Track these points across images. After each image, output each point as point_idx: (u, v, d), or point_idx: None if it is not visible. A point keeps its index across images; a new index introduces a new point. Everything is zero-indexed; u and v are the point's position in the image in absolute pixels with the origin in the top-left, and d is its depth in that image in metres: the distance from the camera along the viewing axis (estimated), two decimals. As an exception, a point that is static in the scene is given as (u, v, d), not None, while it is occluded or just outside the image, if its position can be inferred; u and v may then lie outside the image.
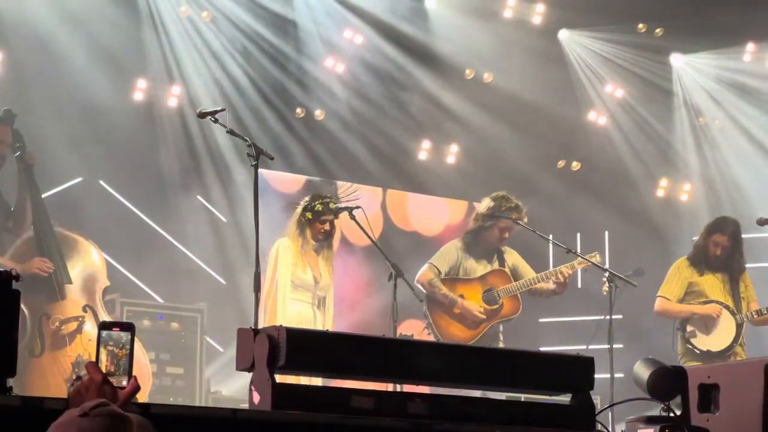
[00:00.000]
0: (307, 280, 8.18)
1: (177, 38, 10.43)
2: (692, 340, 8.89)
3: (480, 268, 8.98)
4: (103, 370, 2.96)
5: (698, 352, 8.81)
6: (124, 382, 2.97)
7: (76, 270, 7.91)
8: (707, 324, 8.89)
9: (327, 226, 8.24)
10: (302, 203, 8.29)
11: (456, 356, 4.24)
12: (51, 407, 2.98)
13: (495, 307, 8.99)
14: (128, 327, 3.07)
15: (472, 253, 8.98)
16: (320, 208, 8.16)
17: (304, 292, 8.19)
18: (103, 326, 3.05)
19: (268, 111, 10.71)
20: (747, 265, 9.36)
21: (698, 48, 12.04)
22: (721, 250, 9.01)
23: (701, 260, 9.07)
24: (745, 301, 9.05)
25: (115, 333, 3.04)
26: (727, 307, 8.94)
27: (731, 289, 9.03)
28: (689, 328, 8.91)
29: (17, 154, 7.89)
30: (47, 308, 7.70)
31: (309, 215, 8.21)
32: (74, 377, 2.94)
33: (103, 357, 3.01)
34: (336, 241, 8.68)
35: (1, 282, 3.28)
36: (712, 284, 8.97)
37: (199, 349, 8.90)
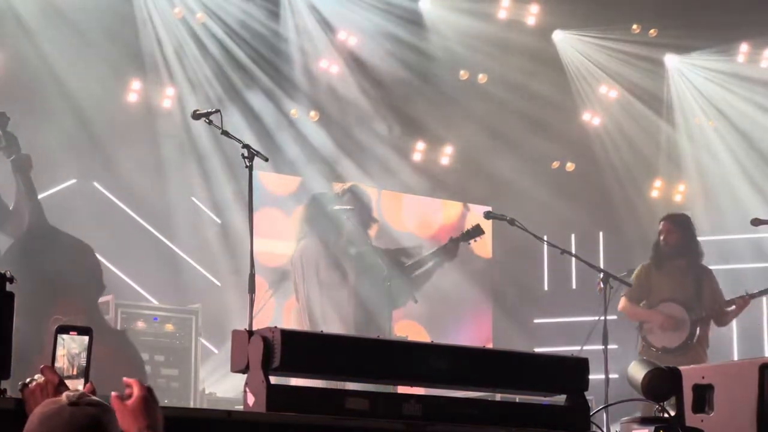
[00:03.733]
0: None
1: (171, 40, 10.42)
2: (648, 338, 8.95)
3: None
4: (61, 374, 2.98)
5: (654, 349, 8.85)
6: (80, 387, 2.97)
7: (74, 272, 7.86)
8: (664, 323, 8.94)
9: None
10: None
11: (451, 357, 4.24)
12: (45, 410, 2.97)
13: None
14: (86, 331, 3.06)
15: None
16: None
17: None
18: (61, 330, 3.04)
19: (262, 112, 10.70)
20: (743, 266, 9.40)
21: (692, 48, 12.04)
22: (666, 236, 9.13)
23: (657, 254, 9.16)
24: (708, 303, 9.08)
25: (73, 336, 3.03)
26: (681, 303, 8.99)
27: (690, 282, 9.06)
28: (645, 326, 8.96)
29: (12, 158, 7.85)
30: (48, 308, 7.65)
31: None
32: (27, 380, 2.95)
33: (61, 360, 3.01)
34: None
35: (-5, 284, 3.27)
36: (671, 277, 8.99)
37: (194, 351, 8.89)
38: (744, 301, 9.09)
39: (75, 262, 7.91)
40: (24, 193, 7.83)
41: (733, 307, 9.11)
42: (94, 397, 2.75)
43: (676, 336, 8.96)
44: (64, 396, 2.72)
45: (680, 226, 9.20)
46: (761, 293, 9.19)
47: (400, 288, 8.31)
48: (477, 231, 8.82)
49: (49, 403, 2.72)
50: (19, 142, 7.88)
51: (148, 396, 2.94)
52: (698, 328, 8.99)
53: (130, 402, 2.92)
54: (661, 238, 9.17)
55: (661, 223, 9.27)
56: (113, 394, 2.92)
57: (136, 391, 2.94)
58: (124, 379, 2.97)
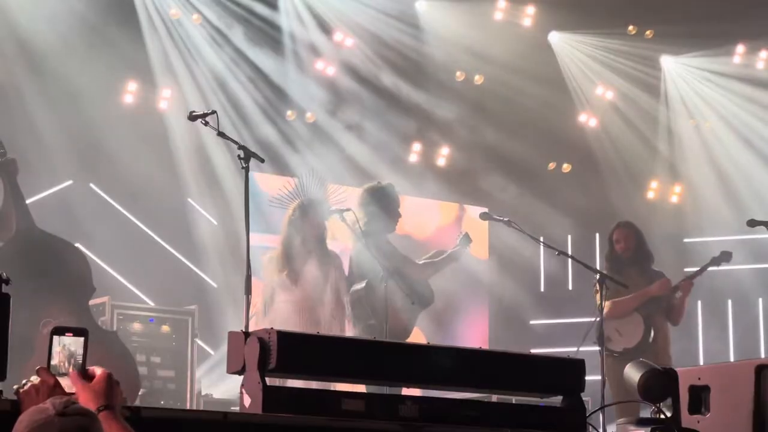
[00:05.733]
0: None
1: (167, 41, 10.42)
2: (609, 346, 8.86)
3: None
4: (58, 371, 3.01)
5: (616, 354, 8.83)
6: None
7: (63, 274, 7.84)
8: (618, 327, 8.91)
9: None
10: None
11: (447, 358, 4.24)
12: (41, 411, 2.96)
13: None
14: (81, 332, 3.07)
15: None
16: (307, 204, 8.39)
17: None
18: (56, 331, 3.05)
19: (258, 114, 10.70)
20: (739, 267, 9.40)
21: (688, 50, 12.05)
22: (624, 243, 9.12)
23: (615, 262, 9.14)
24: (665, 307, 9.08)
25: (69, 338, 3.05)
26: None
27: (645, 284, 9.06)
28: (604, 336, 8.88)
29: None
30: (39, 311, 7.65)
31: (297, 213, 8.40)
32: (23, 381, 2.97)
33: (57, 357, 3.03)
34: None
35: (-10, 286, 3.26)
36: (629, 283, 8.98)
37: (190, 352, 8.89)
38: (687, 283, 9.12)
39: (64, 265, 7.88)
40: (10, 197, 7.78)
41: (680, 293, 9.10)
42: (80, 405, 2.77)
43: (633, 335, 8.95)
44: (50, 404, 2.73)
45: (636, 232, 9.24)
46: (700, 271, 9.21)
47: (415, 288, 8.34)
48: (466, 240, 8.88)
49: (36, 411, 2.73)
50: (4, 144, 7.83)
51: (109, 379, 3.02)
52: (653, 325, 8.99)
53: (91, 383, 3.00)
54: (619, 245, 9.17)
55: (616, 231, 9.26)
56: (72, 371, 2.98)
57: (98, 373, 3.02)
58: (89, 368, 3.01)
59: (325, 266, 8.36)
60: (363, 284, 8.31)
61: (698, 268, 9.24)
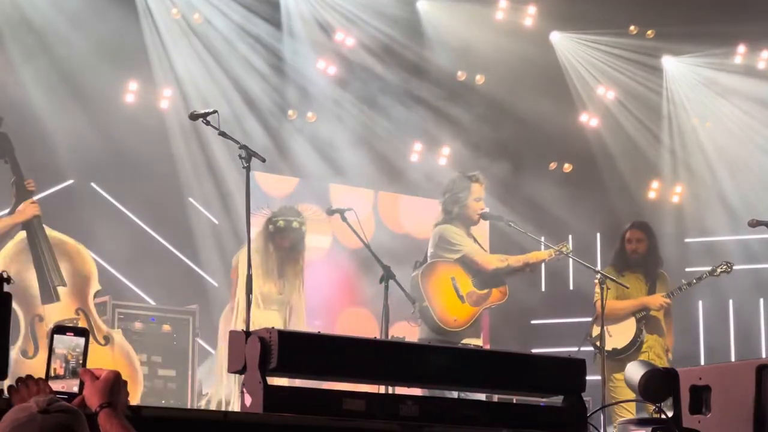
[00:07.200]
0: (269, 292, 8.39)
1: (169, 40, 10.42)
2: (598, 345, 8.84)
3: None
4: (55, 375, 3.02)
5: (605, 353, 8.80)
6: (75, 388, 3.00)
7: (68, 273, 7.87)
8: (610, 327, 8.86)
9: (287, 243, 8.46)
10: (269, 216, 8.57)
11: (448, 358, 4.24)
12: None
13: (484, 292, 8.94)
14: (82, 332, 3.06)
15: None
16: (282, 225, 8.40)
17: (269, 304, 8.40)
18: (57, 330, 3.05)
19: (259, 113, 10.70)
20: (740, 267, 9.38)
21: (689, 50, 12.04)
22: (636, 245, 9.06)
23: (622, 261, 9.08)
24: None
25: (69, 338, 3.04)
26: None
27: (646, 288, 9.04)
28: (594, 333, 8.84)
29: (12, 180, 7.83)
30: (41, 310, 7.67)
31: (272, 228, 8.47)
32: (16, 379, 2.98)
33: (56, 360, 3.03)
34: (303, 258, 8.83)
35: (-8, 285, 3.27)
36: (632, 283, 8.95)
37: (191, 352, 8.89)
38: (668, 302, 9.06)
39: (69, 263, 7.91)
40: (20, 201, 7.80)
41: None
42: (63, 402, 2.78)
43: (623, 336, 8.93)
44: (33, 402, 2.74)
45: (649, 235, 9.18)
46: (697, 281, 9.14)
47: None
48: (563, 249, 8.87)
49: (19, 410, 2.74)
50: (12, 142, 7.84)
51: (115, 378, 3.02)
52: (648, 332, 8.97)
53: (98, 380, 3.01)
54: (630, 245, 9.11)
55: (630, 231, 9.19)
56: (81, 370, 2.98)
57: (104, 372, 3.03)
58: (95, 369, 3.02)
59: (286, 283, 8.49)
60: (422, 268, 8.44)
61: (695, 279, 9.19)
